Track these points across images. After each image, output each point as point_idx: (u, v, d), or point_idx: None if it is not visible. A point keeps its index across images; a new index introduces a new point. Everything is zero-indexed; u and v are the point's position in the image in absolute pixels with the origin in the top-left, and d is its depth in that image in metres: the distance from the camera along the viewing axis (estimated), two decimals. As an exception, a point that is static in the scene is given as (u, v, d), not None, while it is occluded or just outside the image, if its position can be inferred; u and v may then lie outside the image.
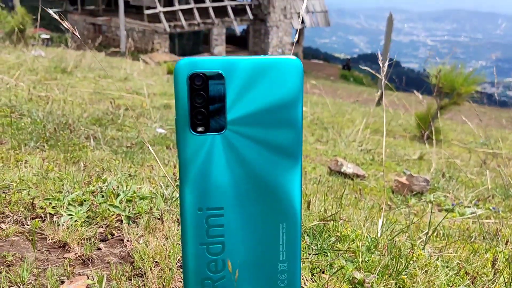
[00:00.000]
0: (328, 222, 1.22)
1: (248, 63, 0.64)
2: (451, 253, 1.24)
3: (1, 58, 5.12)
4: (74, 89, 4.19)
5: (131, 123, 2.97)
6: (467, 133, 7.36)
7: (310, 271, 1.02)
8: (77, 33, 1.10)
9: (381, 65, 1.53)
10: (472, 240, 1.51)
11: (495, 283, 1.08)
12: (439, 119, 6.09)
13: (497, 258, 1.16)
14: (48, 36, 17.62)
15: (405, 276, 1.00)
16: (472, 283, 1.06)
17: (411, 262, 1.09)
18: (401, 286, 0.99)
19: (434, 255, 1.19)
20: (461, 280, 1.07)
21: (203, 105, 0.63)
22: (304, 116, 6.07)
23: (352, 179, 2.50)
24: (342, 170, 2.55)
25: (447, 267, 1.14)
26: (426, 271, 1.07)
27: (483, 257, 1.26)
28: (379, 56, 1.55)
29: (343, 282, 0.97)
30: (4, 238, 1.08)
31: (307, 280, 0.98)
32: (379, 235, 1.24)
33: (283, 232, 0.70)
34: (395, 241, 1.20)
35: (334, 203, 1.65)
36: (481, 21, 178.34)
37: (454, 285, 1.03)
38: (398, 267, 1.03)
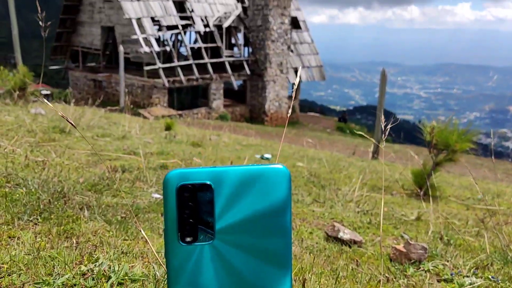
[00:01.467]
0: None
1: (236, 173, 0.65)
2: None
3: (1, 120, 5.18)
4: (71, 150, 4.22)
5: (127, 188, 2.96)
6: (464, 187, 7.36)
7: None
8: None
9: (380, 119, 1.55)
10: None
11: None
12: (435, 175, 6.10)
13: None
14: (48, 92, 17.96)
15: None
16: None
17: None
18: None
19: None
20: None
21: (192, 216, 0.64)
22: (301, 174, 6.09)
23: (350, 246, 2.47)
24: (339, 236, 2.53)
25: None
26: None
27: None
28: (377, 111, 1.58)
29: None
30: (-10, 331, 1.05)
31: None
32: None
33: None
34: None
35: (330, 277, 1.62)
36: (472, 74, 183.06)
37: None
38: None
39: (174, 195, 0.64)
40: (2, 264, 1.33)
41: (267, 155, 8.41)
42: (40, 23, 4.58)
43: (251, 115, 26.20)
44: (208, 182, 0.64)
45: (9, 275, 1.27)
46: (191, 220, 0.64)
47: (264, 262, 0.67)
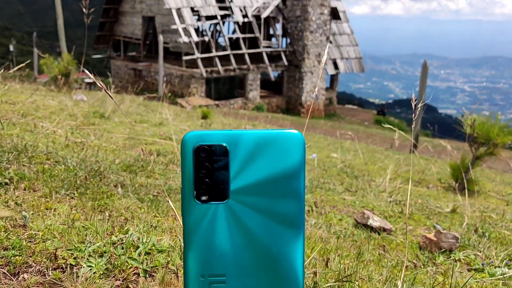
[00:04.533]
0: (343, 283, 1.20)
1: (251, 136, 0.67)
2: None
3: (45, 104, 5.40)
4: (109, 134, 4.35)
5: (161, 170, 3.04)
6: (506, 183, 7.11)
7: (321, 336, 1.00)
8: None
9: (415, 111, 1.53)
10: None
11: None
12: (475, 169, 5.92)
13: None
14: (91, 81, 18.52)
15: None
16: None
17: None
18: None
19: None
20: None
21: (208, 175, 0.67)
22: (334, 164, 6.04)
23: (379, 233, 2.45)
24: (369, 223, 2.51)
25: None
26: None
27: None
28: (413, 100, 1.56)
29: None
30: (25, 289, 1.12)
31: None
32: (397, 299, 1.21)
33: (285, 301, 0.71)
34: (413, 306, 1.16)
35: (355, 260, 1.62)
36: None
37: None
38: (413, 336, 1.00)
39: (191, 155, 0.66)
40: (38, 231, 1.40)
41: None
42: (84, 10, 4.72)
43: (287, 107, 26.12)
44: (224, 144, 0.66)
45: (44, 242, 1.34)
46: (207, 180, 0.67)
47: (277, 223, 0.68)
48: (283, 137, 0.67)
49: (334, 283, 1.18)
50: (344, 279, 1.21)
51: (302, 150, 0.68)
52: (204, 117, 9.67)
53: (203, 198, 0.67)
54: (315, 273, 1.25)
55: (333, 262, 1.47)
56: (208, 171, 0.67)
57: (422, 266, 1.93)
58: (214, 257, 0.69)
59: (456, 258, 2.12)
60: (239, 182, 0.67)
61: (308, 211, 2.65)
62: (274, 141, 0.67)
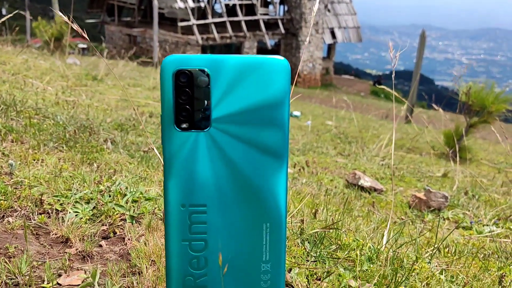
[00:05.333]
0: (330, 230, 1.20)
1: (234, 62, 0.64)
2: (459, 268, 1.20)
3: (36, 65, 5.31)
4: (102, 95, 4.30)
5: (152, 129, 3.02)
6: (499, 153, 7.14)
7: (306, 278, 1.01)
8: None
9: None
10: (485, 258, 1.45)
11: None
12: (468, 138, 5.93)
13: (505, 275, 1.12)
14: (85, 46, 18.19)
15: (403, 287, 0.98)
16: (475, 299, 1.02)
17: (412, 274, 1.07)
18: (398, 297, 0.97)
19: (439, 268, 1.15)
20: (464, 296, 1.04)
21: (188, 102, 0.64)
22: (328, 129, 6.04)
23: (369, 193, 2.46)
24: (360, 183, 2.52)
25: (452, 281, 1.11)
26: (427, 284, 1.04)
27: (494, 275, 1.21)
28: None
29: (338, 290, 0.96)
30: (9, 231, 1.11)
31: (301, 287, 0.97)
32: (383, 246, 1.21)
33: (267, 233, 0.70)
34: (398, 253, 1.17)
35: (343, 213, 1.63)
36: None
37: (455, 300, 1.00)
38: (397, 278, 1.01)
39: (171, 80, 0.64)
40: (24, 179, 1.39)
41: (296, 113, 8.35)
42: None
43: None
44: (206, 69, 0.64)
45: (30, 189, 1.33)
46: (187, 107, 0.64)
47: (260, 153, 0.66)
48: (268, 63, 0.65)
49: (321, 230, 1.18)
50: (330, 227, 1.21)
51: (287, 77, 0.66)
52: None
53: (183, 125, 0.65)
54: (302, 221, 1.25)
55: (321, 214, 1.47)
56: (188, 97, 0.64)
57: (411, 223, 1.94)
58: (195, 186, 0.67)
59: (445, 217, 2.13)
60: (221, 110, 0.65)
61: (299, 170, 2.65)
62: (259, 68, 0.65)
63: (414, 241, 1.31)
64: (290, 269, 1.03)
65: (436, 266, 1.20)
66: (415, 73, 14.43)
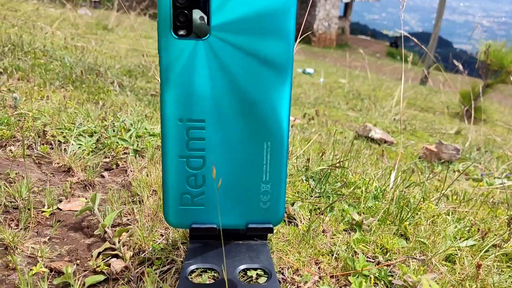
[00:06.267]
0: (336, 169, 1.18)
1: (236, -36, 0.60)
2: (466, 210, 1.17)
3: (47, 13, 5.23)
4: (112, 44, 4.25)
5: (162, 77, 2.98)
6: (514, 115, 7.00)
7: (309, 211, 0.99)
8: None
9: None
10: (494, 206, 1.43)
11: (509, 242, 1.02)
12: (484, 98, 5.80)
13: (514, 218, 1.09)
14: (97, -1, 17.90)
15: (408, 223, 0.96)
16: (483, 238, 1.00)
17: (418, 213, 1.04)
18: (403, 232, 0.95)
19: (446, 209, 1.13)
20: (471, 235, 1.01)
21: (186, 6, 0.60)
22: (341, 86, 5.94)
23: (379, 144, 2.42)
24: (370, 135, 2.48)
25: (458, 222, 1.08)
26: (432, 222, 1.02)
27: (501, 220, 1.19)
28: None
29: (341, 223, 0.94)
30: (11, 159, 1.11)
31: (304, 219, 0.95)
32: (390, 187, 1.19)
33: (267, 152, 0.67)
34: (405, 192, 1.14)
35: (350, 154, 1.60)
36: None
37: (462, 238, 0.98)
38: (402, 215, 0.99)
39: (168, -19, 0.59)
40: (28, 112, 1.37)
41: (309, 70, 8.22)
42: None
43: (298, 34, 25.39)
44: (205, -29, 0.59)
45: (33, 121, 1.31)
46: (185, 11, 0.60)
47: (262, 65, 0.62)
48: (272, -33, 0.60)
49: (327, 167, 1.16)
50: (336, 166, 1.19)
51: (293, -16, 0.61)
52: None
53: (181, 32, 0.61)
54: (308, 160, 1.23)
55: (329, 156, 1.44)
56: (186, 1, 0.60)
57: (420, 173, 1.91)
58: (193, 100, 0.64)
59: (455, 169, 2.10)
60: (221, 17, 0.60)
61: (309, 120, 2.61)
62: (262, -28, 0.60)
63: (422, 184, 1.28)
64: (293, 203, 1.01)
65: (443, 208, 1.17)
66: (434, 36, 14.04)
